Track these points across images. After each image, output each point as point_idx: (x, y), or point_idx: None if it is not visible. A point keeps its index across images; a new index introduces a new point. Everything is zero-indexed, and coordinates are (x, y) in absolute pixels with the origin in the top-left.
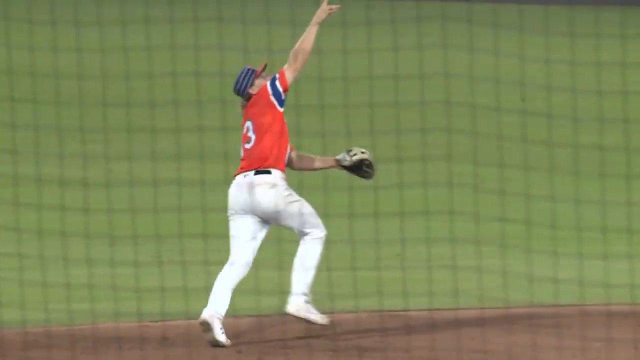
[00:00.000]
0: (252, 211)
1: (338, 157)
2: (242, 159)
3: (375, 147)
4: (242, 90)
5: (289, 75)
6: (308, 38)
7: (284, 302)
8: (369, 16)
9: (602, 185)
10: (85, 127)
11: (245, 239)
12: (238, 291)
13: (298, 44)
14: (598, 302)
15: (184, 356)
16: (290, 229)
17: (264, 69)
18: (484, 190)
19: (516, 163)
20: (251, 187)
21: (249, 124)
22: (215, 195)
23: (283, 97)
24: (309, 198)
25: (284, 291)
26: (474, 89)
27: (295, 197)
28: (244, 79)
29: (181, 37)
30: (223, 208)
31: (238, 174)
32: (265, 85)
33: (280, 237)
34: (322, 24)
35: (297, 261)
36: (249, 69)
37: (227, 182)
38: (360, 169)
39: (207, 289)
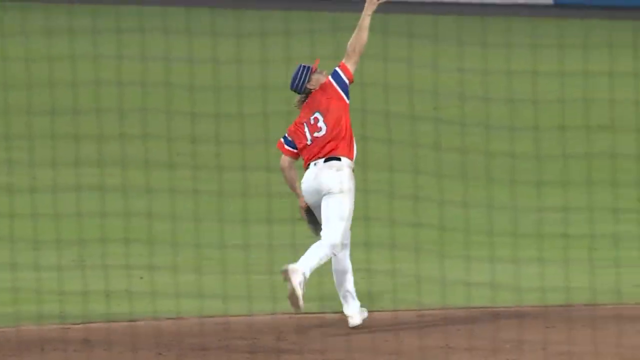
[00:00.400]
0: (319, 194)
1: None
2: (311, 148)
3: None
4: (300, 87)
5: (351, 67)
6: (364, 32)
7: (204, 305)
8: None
9: (513, 192)
10: (10, 134)
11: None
12: (157, 294)
13: (354, 37)
14: (509, 304)
15: (106, 358)
16: (322, 221)
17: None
18: (399, 197)
19: (430, 170)
20: (320, 170)
21: (317, 115)
22: (137, 200)
23: (348, 88)
24: (227, 202)
25: (203, 295)
26: (389, 98)
27: (353, 193)
28: (301, 75)
29: (104, 47)
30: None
31: (311, 162)
32: (329, 79)
33: (199, 243)
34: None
35: (313, 246)
36: (305, 66)
37: (149, 188)
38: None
39: (129, 292)
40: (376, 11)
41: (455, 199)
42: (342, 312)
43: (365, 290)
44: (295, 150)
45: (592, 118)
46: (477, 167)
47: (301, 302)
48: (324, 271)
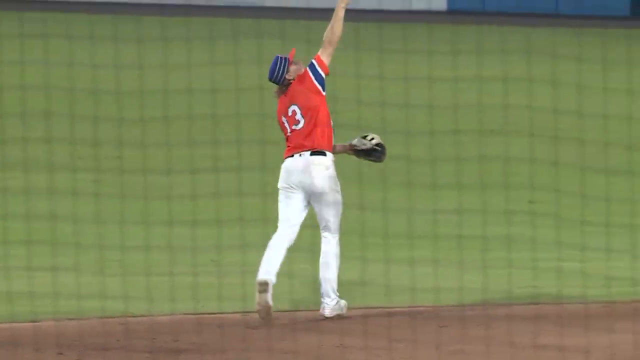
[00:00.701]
0: (304, 188)
1: (353, 142)
2: (290, 139)
3: (193, 158)
4: (279, 78)
5: (326, 59)
6: (338, 23)
7: (106, 306)
8: (189, 34)
9: (409, 194)
10: None
11: (292, 213)
12: (60, 295)
13: (329, 30)
14: (403, 304)
15: (7, 358)
16: (319, 217)
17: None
18: None
19: None
20: (307, 165)
21: (295, 107)
22: (40, 203)
23: (324, 81)
24: (128, 205)
25: (104, 295)
26: None
27: (339, 188)
28: (280, 67)
29: (6, 52)
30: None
31: (292, 154)
32: (307, 71)
33: (101, 244)
34: (143, 42)
35: (323, 262)
36: (282, 57)
37: (53, 191)
38: (373, 152)
39: (31, 294)
40: (268, 17)
41: (352, 202)
42: (241, 312)
43: None
44: None
45: (485, 122)
46: (374, 171)
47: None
48: (227, 272)
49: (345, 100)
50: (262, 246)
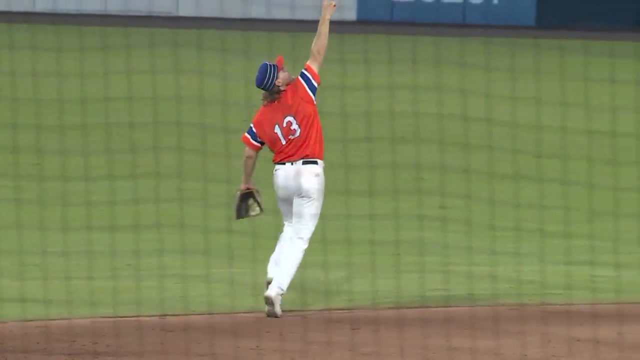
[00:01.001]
0: (295, 194)
1: (248, 196)
2: (286, 148)
3: (111, 165)
4: (269, 85)
5: (316, 69)
6: (324, 34)
7: (26, 309)
8: (105, 42)
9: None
10: None
11: (291, 214)
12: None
13: (317, 42)
14: (318, 307)
15: None
16: (296, 219)
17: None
18: (213, 205)
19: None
20: (298, 174)
21: (290, 118)
22: None
23: (316, 90)
24: (48, 211)
25: (25, 299)
26: (204, 111)
27: (322, 195)
28: (270, 73)
29: None
30: None
31: (284, 162)
32: (299, 80)
33: (21, 249)
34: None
35: (283, 258)
36: (272, 65)
37: None
38: (242, 206)
39: None
40: (190, 27)
41: (267, 208)
42: (159, 315)
43: (179, 294)
44: (259, 144)
45: (397, 130)
46: None
47: (279, 316)
48: (144, 277)
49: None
50: (179, 251)
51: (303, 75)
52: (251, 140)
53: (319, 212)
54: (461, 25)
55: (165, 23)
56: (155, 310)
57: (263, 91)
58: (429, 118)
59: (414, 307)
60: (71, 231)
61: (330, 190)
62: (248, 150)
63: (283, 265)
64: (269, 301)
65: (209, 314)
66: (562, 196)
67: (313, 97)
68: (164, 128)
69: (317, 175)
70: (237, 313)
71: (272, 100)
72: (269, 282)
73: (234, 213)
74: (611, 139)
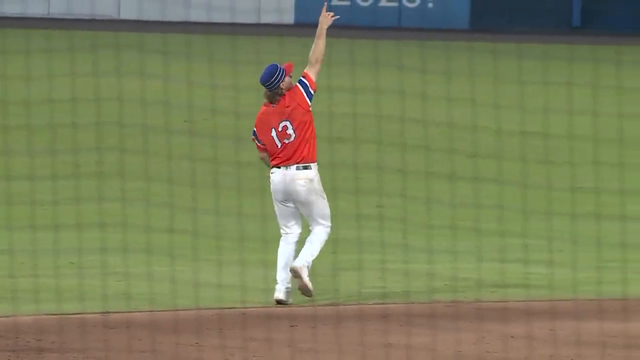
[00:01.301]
0: (291, 198)
1: None
2: (280, 153)
3: (55, 165)
4: (274, 85)
5: (314, 77)
6: (322, 44)
7: None
8: (49, 45)
9: (262, 201)
10: None
11: (286, 219)
12: None
13: (316, 50)
14: (257, 304)
15: None
16: (308, 218)
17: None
18: (155, 204)
19: (185, 180)
20: (292, 180)
21: (287, 123)
22: None
23: (313, 97)
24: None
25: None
26: (146, 112)
27: (323, 191)
28: (278, 76)
29: None
30: None
31: (279, 166)
32: (298, 87)
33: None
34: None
35: (308, 240)
36: (281, 68)
37: None
38: None
39: None
40: (132, 30)
41: (207, 207)
42: (101, 312)
43: (122, 292)
44: (263, 145)
45: (335, 130)
46: (229, 177)
47: (311, 289)
48: (87, 275)
49: (200, 109)
50: (122, 249)
51: (301, 82)
52: (257, 142)
53: (326, 206)
54: (397, 28)
55: (107, 26)
56: (98, 308)
57: (265, 90)
58: (367, 119)
59: (352, 304)
60: (15, 230)
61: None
62: (258, 151)
63: (308, 245)
64: (295, 273)
65: (151, 311)
66: (497, 195)
67: (310, 103)
68: (107, 129)
69: (311, 180)
70: (178, 310)
71: (272, 102)
72: (292, 270)
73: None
74: (544, 140)
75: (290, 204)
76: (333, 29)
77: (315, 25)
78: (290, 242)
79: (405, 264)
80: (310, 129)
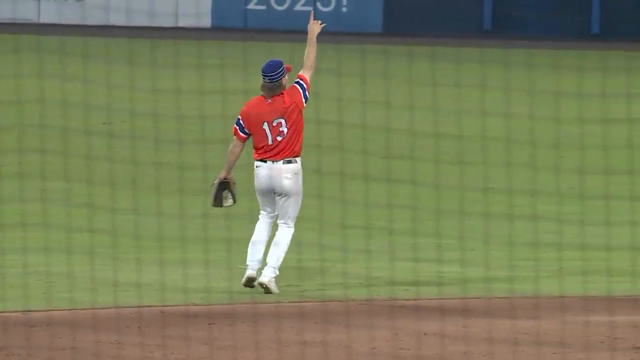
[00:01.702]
0: (275, 190)
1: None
2: (271, 147)
3: None
4: (274, 79)
5: (309, 80)
6: (314, 51)
7: None
8: None
9: (181, 200)
10: None
11: (269, 204)
12: None
13: (309, 56)
14: (176, 303)
15: None
16: (280, 210)
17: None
18: (75, 204)
19: (104, 180)
20: (279, 173)
21: (281, 120)
22: None
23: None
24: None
25: None
26: (66, 113)
27: (302, 185)
28: (280, 71)
29: None
30: None
31: (266, 159)
32: (296, 88)
33: None
34: None
35: (274, 243)
36: (284, 66)
37: None
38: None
39: None
40: (52, 34)
41: (125, 207)
42: (23, 310)
43: (43, 291)
44: (246, 136)
45: None
46: (149, 177)
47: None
48: (9, 274)
49: (120, 111)
50: (44, 249)
51: (299, 84)
52: (239, 131)
53: (301, 196)
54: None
55: (28, 29)
56: (20, 306)
57: (263, 82)
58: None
59: (269, 303)
60: None
61: (188, 190)
62: (235, 141)
63: (274, 250)
64: (266, 289)
65: (71, 309)
66: (410, 196)
67: (305, 105)
68: (28, 130)
69: (296, 173)
70: (98, 309)
71: (267, 96)
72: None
73: (211, 200)
74: (457, 141)
75: (271, 196)
76: (250, 32)
77: (231, 29)
78: (269, 217)
79: (321, 262)
80: (301, 129)
